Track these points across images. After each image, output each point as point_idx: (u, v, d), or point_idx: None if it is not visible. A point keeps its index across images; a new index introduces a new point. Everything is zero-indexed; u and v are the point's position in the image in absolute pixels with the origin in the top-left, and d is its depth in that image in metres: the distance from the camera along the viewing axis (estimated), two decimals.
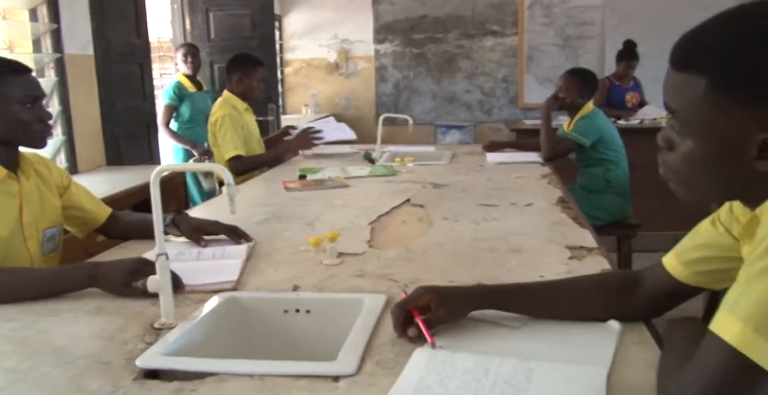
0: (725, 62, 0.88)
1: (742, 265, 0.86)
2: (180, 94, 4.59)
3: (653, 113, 5.26)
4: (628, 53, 5.48)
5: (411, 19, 6.60)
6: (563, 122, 3.86)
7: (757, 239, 0.85)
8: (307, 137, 3.60)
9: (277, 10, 6.19)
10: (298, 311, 1.39)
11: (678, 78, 0.93)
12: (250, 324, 1.39)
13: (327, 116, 6.59)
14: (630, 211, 3.65)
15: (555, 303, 1.28)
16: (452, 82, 6.66)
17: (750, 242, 1.02)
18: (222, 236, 1.86)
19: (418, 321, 1.18)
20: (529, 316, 1.27)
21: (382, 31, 6.63)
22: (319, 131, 3.63)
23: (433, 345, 1.14)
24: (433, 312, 1.21)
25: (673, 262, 1.20)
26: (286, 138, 3.84)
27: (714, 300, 2.15)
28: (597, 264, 1.65)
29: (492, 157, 3.57)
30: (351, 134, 3.58)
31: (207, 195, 3.78)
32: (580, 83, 3.56)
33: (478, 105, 6.67)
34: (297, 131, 3.77)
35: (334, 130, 3.67)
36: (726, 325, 0.81)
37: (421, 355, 1.10)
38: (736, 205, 1.05)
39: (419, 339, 1.16)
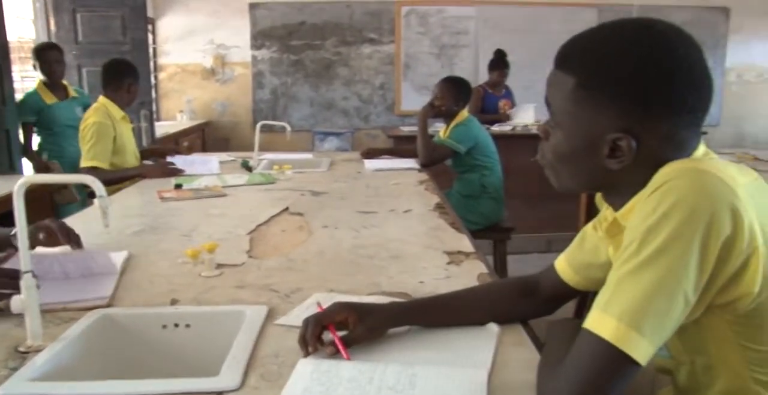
0: (591, 66, 0.97)
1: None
2: (37, 106, 4.07)
3: (524, 117, 5.51)
4: (499, 62, 5.68)
5: (288, 25, 6.57)
6: (439, 129, 3.95)
7: (624, 244, 0.91)
8: (166, 171, 3.30)
9: (150, 13, 5.99)
10: (177, 326, 1.35)
11: (555, 75, 1.02)
12: (126, 342, 1.33)
13: (204, 123, 6.48)
14: (504, 215, 3.77)
15: (470, 312, 1.31)
16: (330, 89, 6.68)
17: (613, 244, 1.09)
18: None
19: (335, 337, 1.16)
20: (445, 327, 1.29)
21: (259, 37, 6.56)
22: (180, 170, 3.34)
23: (348, 359, 1.13)
24: (352, 330, 1.18)
25: (564, 267, 1.29)
26: (146, 162, 3.63)
27: (584, 300, 2.27)
28: (475, 268, 1.69)
29: (370, 164, 3.60)
30: (216, 170, 3.38)
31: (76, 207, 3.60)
32: (455, 91, 3.65)
33: (356, 112, 6.73)
34: (155, 163, 3.52)
35: (199, 165, 3.46)
36: (600, 323, 0.87)
37: (305, 366, 1.09)
38: (607, 205, 1.12)
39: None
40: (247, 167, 3.44)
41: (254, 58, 6.61)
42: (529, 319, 1.33)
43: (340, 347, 1.14)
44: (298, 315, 1.33)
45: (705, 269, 0.86)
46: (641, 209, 0.91)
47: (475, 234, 3.54)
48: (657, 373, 1.27)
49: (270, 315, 1.34)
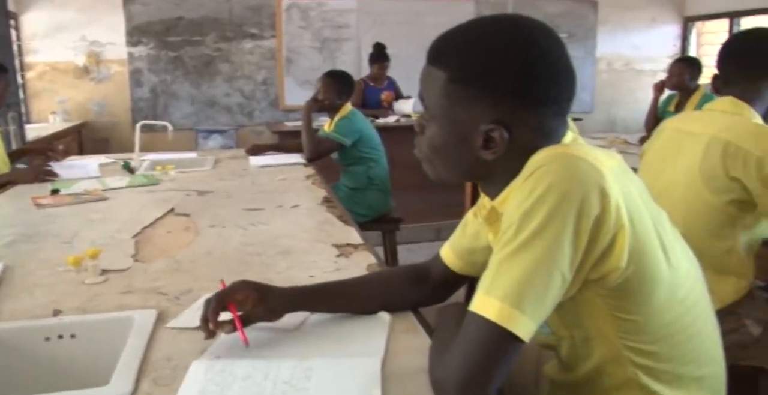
0: (463, 61, 1.01)
1: None
2: None
3: (404, 108, 5.62)
4: (379, 55, 5.74)
5: (166, 21, 6.38)
6: (324, 123, 3.97)
7: (502, 230, 0.96)
8: (39, 176, 3.10)
9: (11, 7, 5.66)
10: (61, 337, 1.30)
11: (428, 70, 1.06)
12: (7, 358, 1.28)
13: (80, 124, 6.20)
14: (392, 206, 3.84)
15: (363, 299, 1.33)
16: (212, 86, 6.55)
17: (492, 230, 1.15)
18: None
19: (235, 317, 1.15)
20: (339, 313, 1.32)
21: (135, 34, 6.34)
22: (54, 174, 3.15)
23: (247, 345, 1.14)
24: (252, 309, 1.19)
25: (448, 253, 1.34)
26: (19, 165, 3.46)
27: (473, 285, 2.35)
28: (364, 259, 1.73)
29: (255, 160, 3.57)
30: (96, 173, 3.25)
31: None
32: (337, 85, 3.67)
33: (239, 108, 6.62)
34: (26, 167, 3.33)
35: (77, 168, 3.30)
36: (485, 305, 0.92)
37: (198, 367, 1.09)
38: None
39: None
40: (128, 169, 3.34)
41: (131, 55, 6.38)
42: (422, 306, 1.38)
43: (240, 329, 1.15)
44: (188, 317, 1.32)
45: (579, 248, 0.92)
46: (517, 195, 0.96)
47: (364, 226, 3.59)
48: (541, 349, 1.35)
49: (160, 319, 1.32)
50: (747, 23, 7.10)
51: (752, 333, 1.74)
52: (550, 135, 1.04)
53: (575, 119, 6.42)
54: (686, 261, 1.09)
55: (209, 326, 1.14)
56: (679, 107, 4.61)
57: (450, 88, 1.02)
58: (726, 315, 1.73)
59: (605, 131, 6.90)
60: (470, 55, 1.01)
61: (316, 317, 1.31)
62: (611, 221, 0.92)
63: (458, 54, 1.02)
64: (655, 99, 4.89)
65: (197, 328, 1.18)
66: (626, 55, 7.67)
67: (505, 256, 0.93)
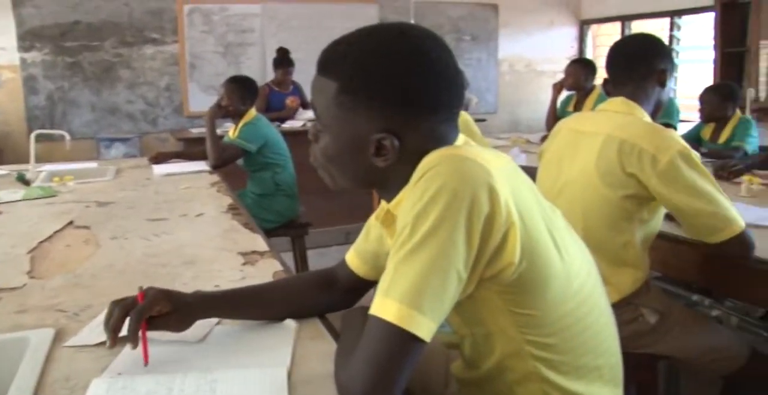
0: (353, 70, 1.03)
1: None
2: None
3: (307, 113, 5.65)
4: (282, 60, 5.72)
5: (61, 24, 6.14)
6: (229, 129, 3.92)
7: (397, 232, 0.98)
8: None
9: None
10: None
11: (318, 80, 1.07)
12: None
13: None
14: (300, 211, 3.83)
15: (272, 304, 1.33)
16: (113, 93, 6.35)
17: (389, 233, 1.18)
18: None
19: (143, 336, 1.13)
20: (248, 320, 1.31)
21: (27, 38, 6.07)
22: None
23: (146, 364, 1.12)
24: (163, 318, 1.17)
25: (353, 258, 1.35)
26: None
27: None
28: (270, 267, 1.72)
29: (159, 169, 3.50)
30: None
31: None
32: (241, 91, 3.64)
33: (142, 115, 6.45)
34: None
35: None
36: (384, 307, 0.93)
37: (99, 385, 1.06)
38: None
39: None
40: (23, 181, 3.20)
41: (23, 61, 6.11)
42: (330, 312, 1.38)
43: (144, 350, 1.13)
44: (89, 334, 1.29)
45: (472, 246, 0.94)
46: (409, 197, 0.98)
47: (272, 232, 3.59)
48: (448, 349, 1.38)
49: (58, 338, 1.28)
50: (637, 26, 7.48)
51: (649, 322, 1.84)
52: (442, 140, 1.07)
53: (479, 120, 6.61)
54: (579, 256, 1.13)
55: (112, 339, 1.12)
56: (578, 107, 4.79)
57: (341, 98, 1.04)
58: (624, 305, 1.81)
59: (510, 131, 7.08)
60: (359, 64, 1.02)
61: (220, 328, 1.30)
62: (502, 219, 0.95)
63: (347, 64, 1.03)
64: (554, 99, 5.06)
65: (98, 344, 1.15)
66: (527, 57, 7.90)
67: (401, 258, 0.94)
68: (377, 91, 1.02)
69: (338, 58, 1.05)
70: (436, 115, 1.05)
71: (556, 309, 1.06)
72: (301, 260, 3.79)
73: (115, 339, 1.12)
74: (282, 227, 3.71)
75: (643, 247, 1.84)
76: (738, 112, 4.00)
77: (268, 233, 3.64)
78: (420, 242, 0.93)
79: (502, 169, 1.00)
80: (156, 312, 1.16)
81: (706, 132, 4.09)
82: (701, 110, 3.98)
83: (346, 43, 1.06)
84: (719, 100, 3.88)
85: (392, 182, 1.09)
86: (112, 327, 1.13)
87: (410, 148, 1.04)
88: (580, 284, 1.10)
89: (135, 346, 1.11)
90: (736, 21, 6.29)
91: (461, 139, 1.10)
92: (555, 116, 4.89)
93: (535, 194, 1.07)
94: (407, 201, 0.98)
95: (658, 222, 1.87)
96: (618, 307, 1.79)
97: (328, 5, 6.79)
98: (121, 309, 1.14)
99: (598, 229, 1.80)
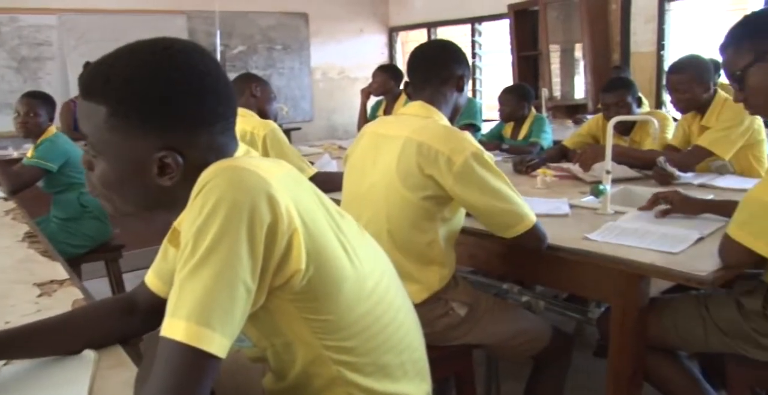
0: (120, 93, 0.98)
1: None
2: None
3: None
4: None
5: None
6: (27, 150, 3.65)
7: (181, 249, 0.95)
8: None
9: None
10: None
11: (84, 106, 1.01)
12: None
13: None
14: (111, 233, 3.63)
15: (66, 338, 1.25)
16: None
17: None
18: None
19: None
20: (40, 357, 1.22)
21: None
22: None
23: None
24: None
25: (153, 279, 1.31)
26: None
27: None
28: (69, 296, 1.63)
29: None
30: None
31: None
32: (39, 106, 3.40)
33: None
34: None
35: None
36: (172, 328, 0.90)
37: None
38: None
39: None
40: None
41: None
42: (133, 337, 1.32)
43: None
44: None
45: (257, 257, 0.93)
46: (189, 213, 0.95)
47: (83, 258, 3.39)
48: (258, 364, 1.36)
49: None
50: (442, 32, 7.87)
51: (460, 315, 1.92)
52: (222, 151, 1.06)
53: (294, 129, 6.64)
54: (372, 256, 1.16)
55: None
56: (387, 111, 4.93)
57: (111, 122, 0.99)
58: (435, 301, 1.89)
59: (327, 137, 7.18)
60: (126, 86, 0.98)
61: (10, 367, 1.21)
62: (284, 226, 0.95)
63: (113, 87, 0.99)
64: (363, 104, 5.19)
65: None
66: (339, 65, 8.05)
67: (185, 275, 0.92)
68: (149, 111, 0.99)
69: (102, 81, 1.00)
70: (213, 126, 1.04)
71: (351, 311, 1.08)
72: (117, 285, 3.60)
73: None
74: (93, 251, 3.49)
75: (447, 244, 1.92)
76: (533, 110, 4.33)
77: (80, 259, 3.45)
78: (203, 258, 0.91)
79: (282, 177, 1.01)
80: None
81: (507, 130, 4.42)
82: (500, 110, 4.32)
83: (107, 65, 1.01)
84: (515, 100, 4.21)
85: (179, 200, 1.05)
86: None
87: (193, 162, 1.02)
88: (374, 283, 1.13)
89: None
90: (528, 27, 6.79)
91: (242, 149, 1.09)
92: (365, 120, 5.01)
93: (321, 199, 1.09)
94: (187, 216, 0.96)
95: (460, 220, 1.96)
96: (429, 303, 1.87)
97: (132, 16, 6.54)
98: None
99: (403, 229, 1.85)
